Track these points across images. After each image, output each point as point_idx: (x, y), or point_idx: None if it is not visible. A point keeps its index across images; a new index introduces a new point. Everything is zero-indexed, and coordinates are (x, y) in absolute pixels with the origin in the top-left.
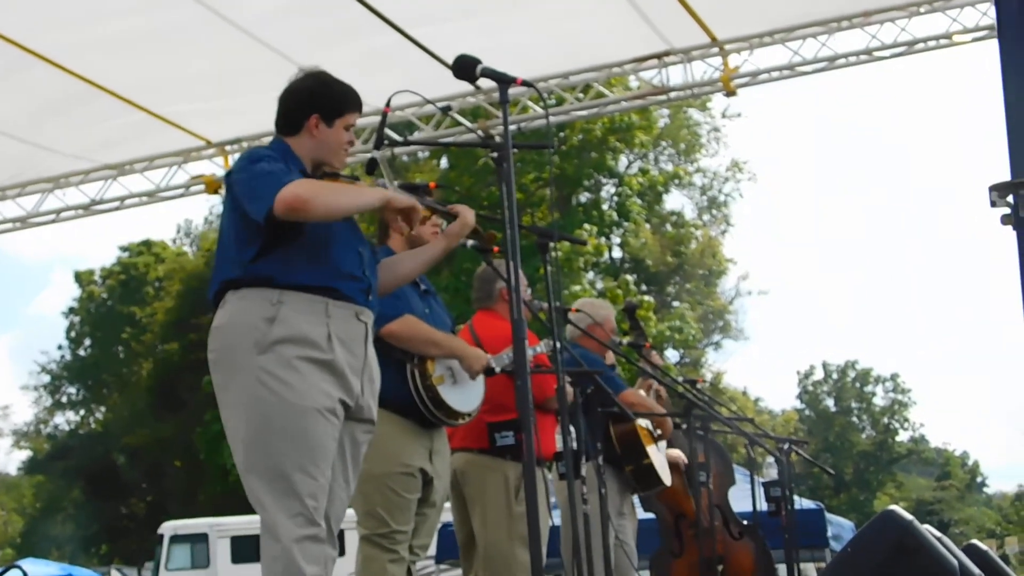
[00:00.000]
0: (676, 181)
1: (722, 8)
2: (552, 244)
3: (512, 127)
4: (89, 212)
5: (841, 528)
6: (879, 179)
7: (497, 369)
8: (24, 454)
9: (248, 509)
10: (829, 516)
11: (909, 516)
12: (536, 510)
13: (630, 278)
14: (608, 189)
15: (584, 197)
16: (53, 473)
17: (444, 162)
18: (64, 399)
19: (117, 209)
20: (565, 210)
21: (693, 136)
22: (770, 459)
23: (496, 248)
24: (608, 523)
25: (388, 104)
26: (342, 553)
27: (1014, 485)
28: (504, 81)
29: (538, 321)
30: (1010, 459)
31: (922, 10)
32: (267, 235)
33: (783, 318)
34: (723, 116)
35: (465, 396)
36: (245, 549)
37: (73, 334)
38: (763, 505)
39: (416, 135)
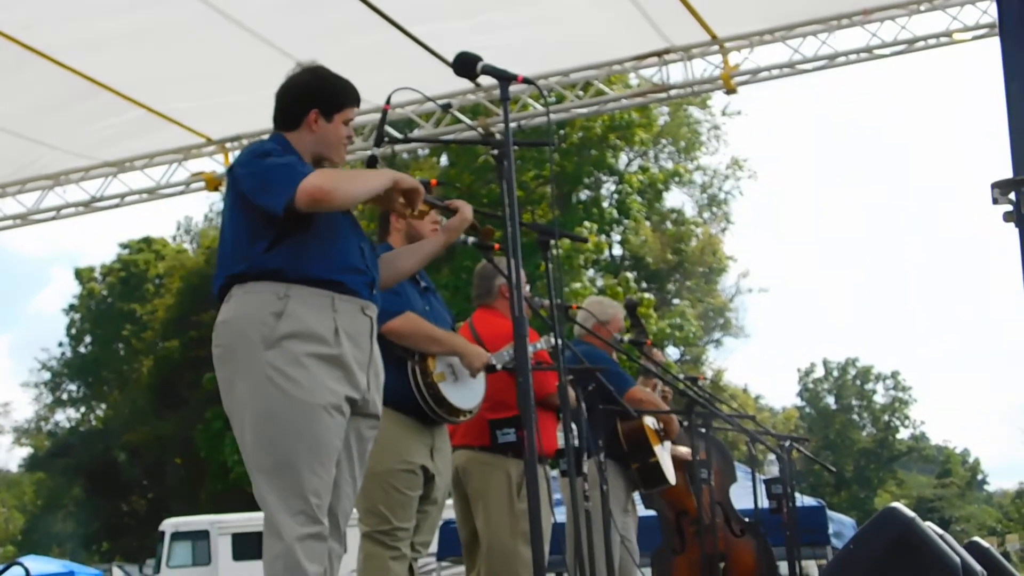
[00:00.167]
0: (676, 179)
1: (722, 6)
2: (552, 242)
3: (512, 124)
4: (89, 209)
5: (842, 525)
6: (879, 177)
7: (498, 366)
8: (25, 451)
9: (249, 506)
10: (830, 513)
11: (911, 513)
12: (538, 507)
13: (630, 275)
14: (608, 187)
15: (584, 195)
16: (54, 470)
17: (444, 159)
18: (64, 396)
19: (117, 206)
20: (565, 207)
21: (693, 134)
22: (771, 456)
23: (496, 245)
24: (610, 520)
25: (388, 101)
26: (344, 550)
27: (1015, 483)
28: (504, 78)
29: (538, 318)
30: (1010, 457)
31: (922, 8)
32: (281, 227)
33: (783, 315)
34: (723, 114)
35: (466, 393)
36: (246, 546)
37: (73, 331)
38: (764, 502)
39: (416, 132)
